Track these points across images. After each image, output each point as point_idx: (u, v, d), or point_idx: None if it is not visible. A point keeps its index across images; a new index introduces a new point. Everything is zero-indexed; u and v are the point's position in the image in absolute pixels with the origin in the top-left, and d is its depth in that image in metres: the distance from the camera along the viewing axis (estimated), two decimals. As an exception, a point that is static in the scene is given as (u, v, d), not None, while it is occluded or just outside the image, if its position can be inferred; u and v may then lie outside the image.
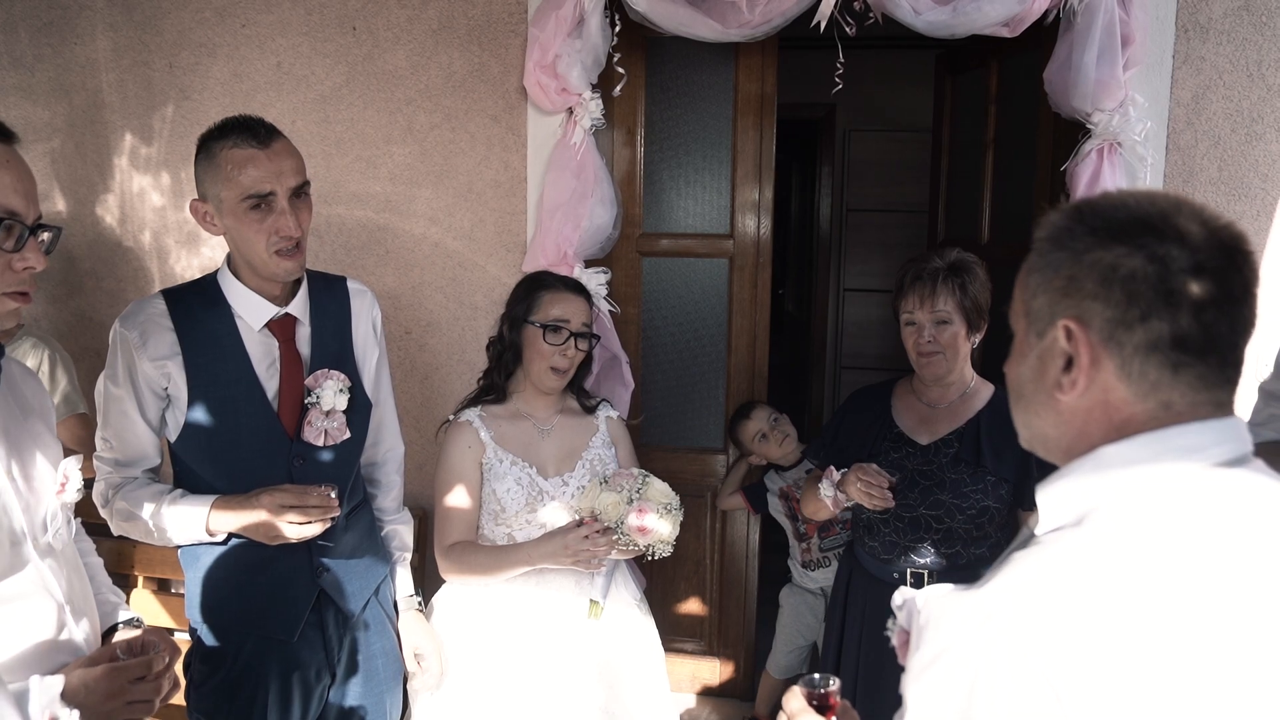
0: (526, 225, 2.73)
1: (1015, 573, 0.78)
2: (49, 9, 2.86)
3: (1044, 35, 2.41)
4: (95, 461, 1.75)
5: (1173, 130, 2.45)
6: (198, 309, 1.71)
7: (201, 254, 2.90)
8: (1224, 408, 0.83)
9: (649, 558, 1.93)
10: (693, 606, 3.07)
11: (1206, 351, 0.80)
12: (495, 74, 2.69)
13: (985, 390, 2.09)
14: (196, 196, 1.68)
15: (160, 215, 2.91)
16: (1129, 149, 2.36)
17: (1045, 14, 2.33)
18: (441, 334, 2.83)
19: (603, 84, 2.61)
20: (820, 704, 1.15)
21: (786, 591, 2.91)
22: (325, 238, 2.81)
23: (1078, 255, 0.83)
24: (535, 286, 2.07)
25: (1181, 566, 0.73)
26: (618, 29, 2.53)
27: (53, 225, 1.25)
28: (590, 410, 2.14)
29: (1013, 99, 2.88)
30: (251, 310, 1.71)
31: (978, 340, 2.06)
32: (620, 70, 2.58)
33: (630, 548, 1.90)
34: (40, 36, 2.88)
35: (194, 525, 1.66)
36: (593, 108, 2.55)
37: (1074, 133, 2.41)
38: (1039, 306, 0.87)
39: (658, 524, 1.86)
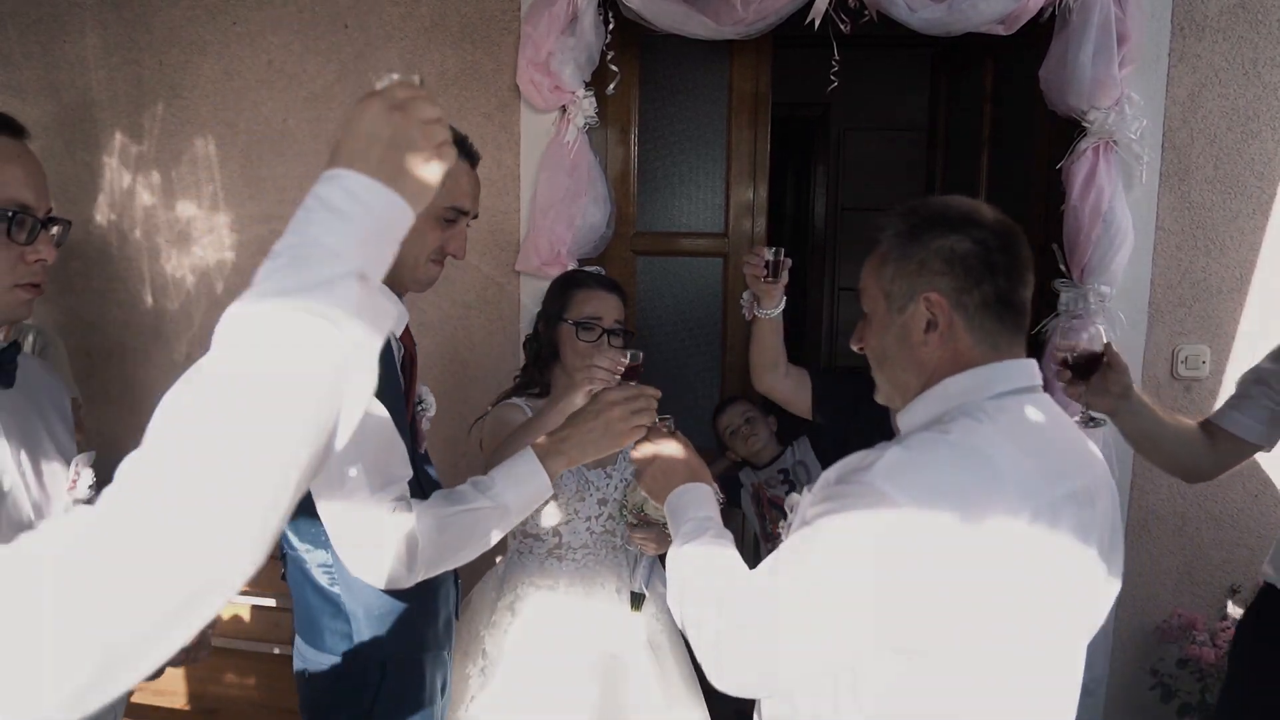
0: (520, 224, 2.71)
1: (891, 450, 1.02)
2: (38, 6, 2.84)
3: (1039, 33, 2.40)
4: (339, 511, 1.29)
5: (1169, 128, 2.44)
6: None
7: (192, 253, 2.88)
8: (1023, 348, 1.13)
9: None
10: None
11: (1016, 305, 1.11)
12: (488, 72, 2.68)
13: None
14: None
15: (151, 214, 2.88)
16: (1125, 147, 2.35)
17: (1041, 11, 2.32)
18: (435, 334, 2.81)
19: (596, 82, 2.60)
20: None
21: None
22: (317, 237, 2.79)
23: (925, 245, 1.11)
24: (569, 285, 2.08)
25: (991, 450, 1.01)
26: (611, 27, 2.51)
27: (62, 219, 1.27)
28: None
29: (1008, 97, 2.87)
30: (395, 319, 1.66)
31: None
32: (614, 68, 2.57)
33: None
34: (29, 34, 2.86)
35: (530, 478, 1.41)
36: (586, 106, 2.54)
37: (1070, 131, 2.40)
38: (898, 289, 1.13)
39: None
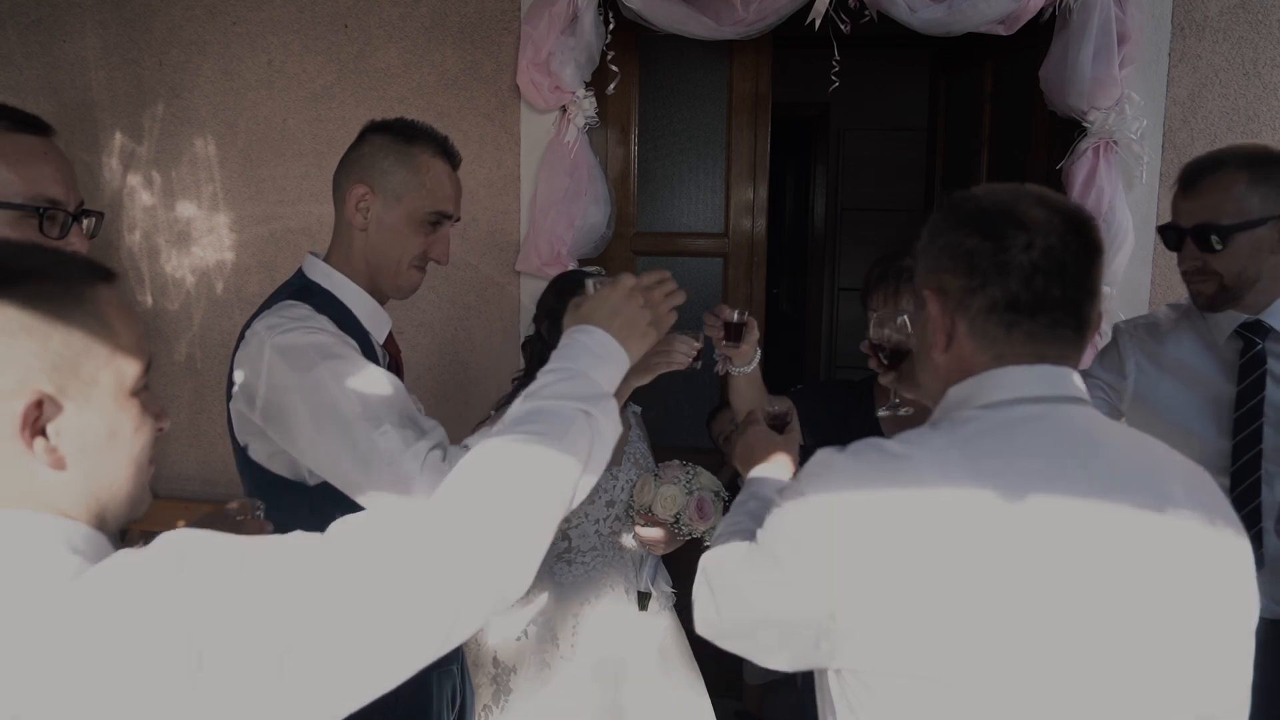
0: (520, 224, 2.71)
1: (826, 450, 1.01)
2: (37, 6, 2.84)
3: (1040, 33, 2.39)
4: (398, 452, 1.28)
5: (1169, 129, 2.44)
6: (330, 318, 1.45)
7: (192, 253, 2.88)
8: (1046, 359, 0.99)
9: (704, 544, 1.97)
10: (686, 606, 3.06)
11: (1037, 311, 0.97)
12: (488, 72, 2.68)
13: None
14: (355, 180, 1.51)
15: (150, 214, 2.88)
16: (1125, 147, 2.35)
17: (1041, 11, 2.32)
18: (434, 334, 2.81)
19: (596, 82, 2.60)
20: (777, 424, 1.50)
21: None
22: (317, 237, 2.79)
23: (940, 239, 1.02)
24: (575, 285, 2.05)
25: (923, 461, 0.93)
26: (611, 26, 2.51)
27: (94, 210, 1.29)
28: (621, 407, 2.16)
29: (1008, 97, 2.87)
30: (376, 324, 1.56)
31: None
32: (614, 68, 2.57)
33: (689, 536, 1.93)
34: (29, 34, 2.86)
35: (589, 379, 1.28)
36: (586, 106, 2.54)
37: (1070, 131, 2.40)
38: (919, 284, 1.06)
39: (712, 511, 1.92)
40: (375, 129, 1.55)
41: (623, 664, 1.97)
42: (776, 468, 1.39)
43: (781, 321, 7.01)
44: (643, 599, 2.02)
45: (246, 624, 0.68)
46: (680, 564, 2.95)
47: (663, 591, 2.09)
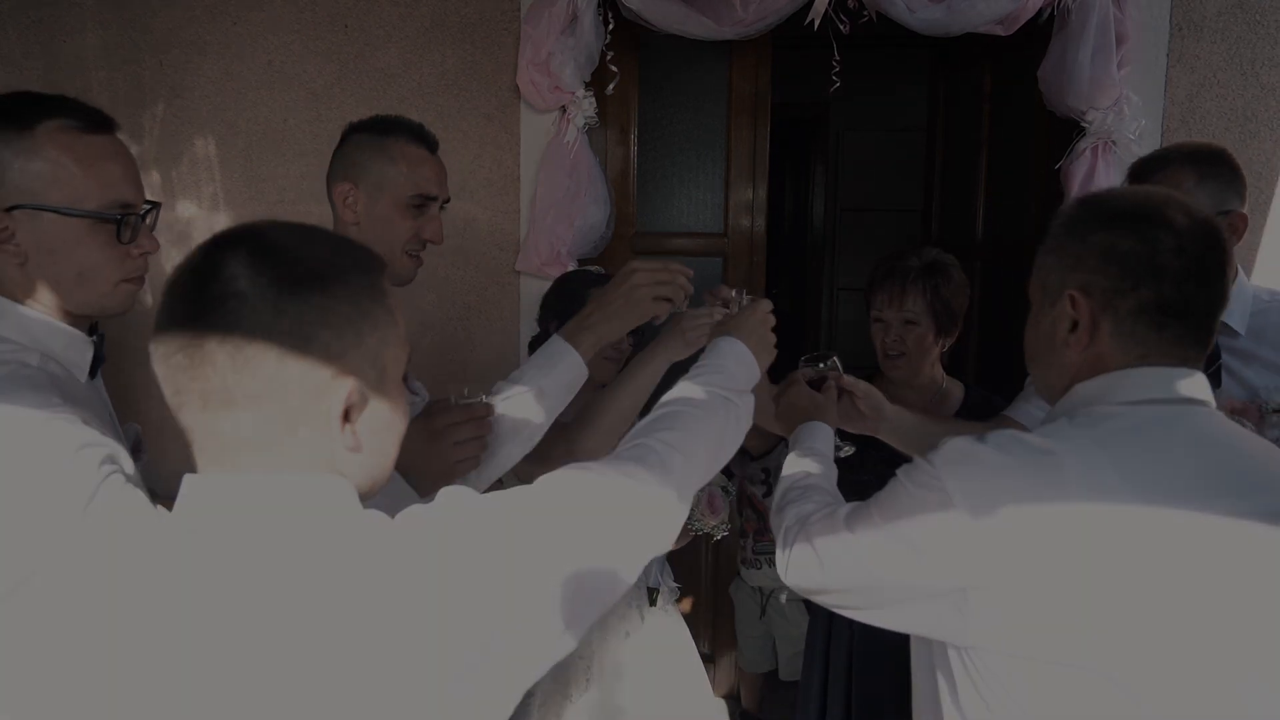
0: (520, 224, 2.71)
1: (964, 437, 1.02)
2: (38, 6, 2.84)
3: (1038, 33, 2.40)
4: None
5: (1167, 129, 2.45)
6: None
7: (192, 253, 2.88)
8: (1187, 362, 1.01)
9: (713, 539, 2.00)
10: (685, 608, 3.07)
11: (1185, 315, 0.99)
12: (488, 72, 2.68)
13: (957, 390, 2.04)
14: (339, 179, 1.58)
15: (150, 214, 2.89)
16: (1123, 147, 2.36)
17: (1040, 12, 2.33)
18: (434, 334, 2.82)
19: (596, 82, 2.60)
20: (815, 386, 1.62)
21: (734, 586, 2.91)
22: (317, 237, 2.79)
23: (1083, 238, 1.03)
24: (583, 283, 2.06)
25: (1066, 457, 0.94)
26: (611, 27, 2.51)
27: (153, 201, 1.29)
28: None
29: (1007, 98, 2.88)
30: None
31: (948, 344, 1.99)
32: (613, 68, 2.57)
33: (699, 531, 1.95)
34: (29, 33, 2.86)
35: (560, 358, 1.47)
36: (586, 106, 2.54)
37: (1069, 131, 2.41)
38: (1052, 281, 1.06)
39: (722, 505, 1.95)
40: (354, 129, 1.62)
41: (637, 663, 1.97)
42: (817, 427, 1.51)
43: (780, 321, 7.00)
44: (651, 594, 2.03)
45: (544, 536, 0.82)
46: (681, 562, 2.96)
47: (669, 587, 2.10)
